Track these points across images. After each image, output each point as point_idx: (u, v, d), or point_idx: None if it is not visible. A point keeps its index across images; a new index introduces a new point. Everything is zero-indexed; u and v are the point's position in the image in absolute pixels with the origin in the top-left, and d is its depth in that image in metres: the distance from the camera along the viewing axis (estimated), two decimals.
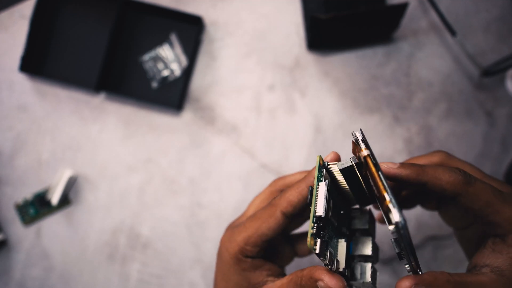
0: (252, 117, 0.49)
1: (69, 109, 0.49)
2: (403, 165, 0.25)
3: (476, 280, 0.24)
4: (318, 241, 0.24)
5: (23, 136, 0.49)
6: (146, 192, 0.48)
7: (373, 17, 0.44)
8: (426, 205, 0.33)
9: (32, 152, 0.49)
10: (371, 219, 0.30)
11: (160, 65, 0.49)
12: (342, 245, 0.27)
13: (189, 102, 0.49)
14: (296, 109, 0.49)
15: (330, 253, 0.25)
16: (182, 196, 0.48)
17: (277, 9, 0.49)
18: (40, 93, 0.49)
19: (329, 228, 0.26)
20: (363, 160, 0.24)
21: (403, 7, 0.43)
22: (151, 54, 0.49)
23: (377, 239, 0.30)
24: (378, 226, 0.33)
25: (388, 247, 0.47)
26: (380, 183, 0.22)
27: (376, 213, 0.36)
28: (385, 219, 0.22)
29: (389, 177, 0.25)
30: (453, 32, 0.46)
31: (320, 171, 0.26)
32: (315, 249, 0.23)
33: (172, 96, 0.49)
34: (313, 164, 0.48)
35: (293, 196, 0.27)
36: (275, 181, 0.33)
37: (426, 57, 0.49)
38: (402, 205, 0.33)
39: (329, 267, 0.25)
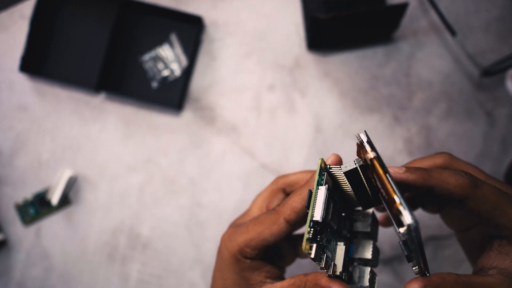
0: (252, 117, 0.49)
1: (69, 109, 0.49)
2: (409, 169, 0.25)
3: (483, 282, 0.24)
4: (314, 246, 0.23)
5: (23, 136, 0.49)
6: (146, 192, 0.48)
7: (373, 17, 0.44)
8: (427, 208, 0.32)
9: (32, 152, 0.49)
10: (374, 222, 0.29)
11: (160, 65, 0.49)
12: (340, 248, 0.27)
13: (189, 102, 0.49)
14: (296, 109, 0.49)
15: (327, 257, 0.25)
16: (182, 196, 0.48)
17: (277, 9, 0.49)
18: (40, 93, 0.49)
19: (327, 232, 0.26)
20: (369, 162, 0.23)
21: (403, 7, 0.43)
22: (151, 54, 0.49)
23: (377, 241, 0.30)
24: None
25: (388, 247, 0.47)
26: (389, 186, 0.22)
27: (379, 216, 0.36)
28: (394, 222, 0.22)
29: (396, 182, 0.25)
30: (453, 32, 0.46)
31: (320, 175, 0.25)
32: (310, 254, 0.23)
33: (172, 96, 0.49)
34: (313, 163, 0.48)
35: (296, 203, 0.27)
36: (277, 179, 0.33)
37: (426, 57, 0.49)
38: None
39: (325, 271, 0.24)
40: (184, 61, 0.49)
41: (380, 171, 0.22)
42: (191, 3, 0.50)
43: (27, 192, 0.48)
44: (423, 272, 0.24)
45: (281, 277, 0.30)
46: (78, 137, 0.49)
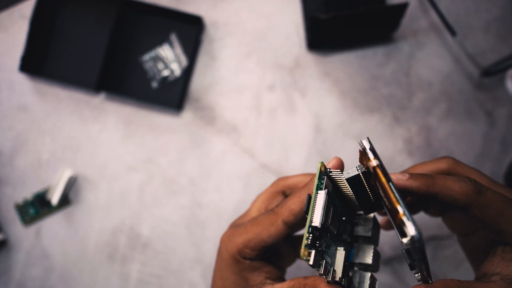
0: (252, 117, 0.49)
1: (69, 109, 0.49)
2: (412, 176, 0.25)
3: None
4: (312, 252, 0.23)
5: (23, 136, 0.49)
6: (146, 192, 0.48)
7: (373, 17, 0.44)
8: (430, 212, 0.32)
9: (32, 152, 0.49)
10: (375, 226, 0.29)
11: (160, 65, 0.49)
12: (340, 253, 0.26)
13: (189, 102, 0.49)
14: (296, 109, 0.49)
15: (326, 262, 0.24)
16: (182, 196, 0.48)
17: (277, 9, 0.49)
18: (40, 93, 0.49)
19: (326, 237, 0.25)
20: (372, 170, 0.23)
21: (403, 7, 0.43)
22: (151, 54, 0.49)
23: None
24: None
25: (388, 247, 0.47)
26: (392, 195, 0.21)
27: (380, 219, 0.36)
28: (396, 231, 0.21)
29: (398, 190, 0.25)
30: (453, 32, 0.46)
31: (320, 179, 0.25)
32: (308, 260, 0.23)
33: (172, 96, 0.49)
34: (313, 163, 0.48)
35: (295, 205, 0.27)
36: (277, 181, 0.33)
37: (426, 57, 0.49)
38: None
39: (324, 277, 0.24)
40: (184, 61, 0.49)
41: (383, 179, 0.22)
42: (191, 3, 0.50)
43: (27, 192, 0.48)
44: (426, 279, 0.24)
45: (281, 278, 0.30)
46: (78, 137, 0.49)
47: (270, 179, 0.48)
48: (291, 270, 0.35)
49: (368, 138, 0.24)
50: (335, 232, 0.26)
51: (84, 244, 0.48)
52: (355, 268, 0.28)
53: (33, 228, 0.48)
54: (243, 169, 0.48)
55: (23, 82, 0.49)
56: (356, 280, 0.27)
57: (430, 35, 0.49)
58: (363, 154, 0.24)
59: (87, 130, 0.49)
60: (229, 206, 0.48)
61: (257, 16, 0.49)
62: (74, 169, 0.48)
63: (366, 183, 0.25)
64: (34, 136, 0.49)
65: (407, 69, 0.49)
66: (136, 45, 0.49)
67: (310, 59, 0.49)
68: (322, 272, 0.24)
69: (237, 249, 0.28)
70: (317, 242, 0.24)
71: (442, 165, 0.30)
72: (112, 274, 0.47)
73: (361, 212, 0.29)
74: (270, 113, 0.49)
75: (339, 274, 0.25)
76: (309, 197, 0.25)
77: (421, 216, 0.44)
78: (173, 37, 0.49)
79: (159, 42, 0.49)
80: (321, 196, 0.24)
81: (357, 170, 0.25)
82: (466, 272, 0.46)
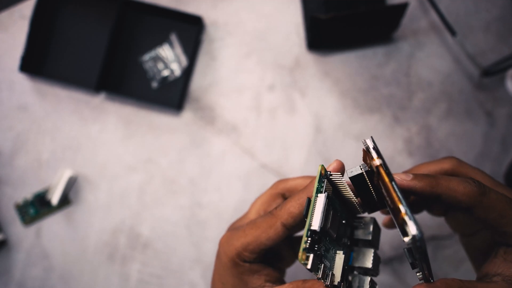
0: (252, 117, 0.49)
1: (69, 109, 0.49)
2: (416, 177, 0.25)
3: None
4: (311, 256, 0.23)
5: (23, 136, 0.49)
6: (146, 192, 0.48)
7: (373, 17, 0.44)
8: (433, 211, 0.32)
9: (32, 152, 0.49)
10: (375, 229, 0.29)
11: (160, 65, 0.49)
12: (339, 257, 0.26)
13: (189, 102, 0.49)
14: (296, 109, 0.49)
15: (325, 266, 0.24)
16: (182, 196, 0.48)
17: (277, 9, 0.49)
18: (40, 93, 0.49)
19: (326, 240, 0.25)
20: (375, 169, 0.23)
21: (403, 7, 0.43)
22: (151, 54, 0.49)
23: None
24: (380, 224, 0.33)
25: (388, 247, 0.47)
26: (394, 195, 0.21)
27: (383, 217, 0.36)
28: (399, 230, 0.21)
29: (402, 190, 0.25)
30: (453, 32, 0.46)
31: (320, 182, 0.25)
32: (306, 264, 0.23)
33: (172, 96, 0.49)
34: (313, 164, 0.48)
35: (294, 208, 0.27)
36: (276, 184, 0.33)
37: (426, 57, 0.49)
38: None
39: (323, 281, 0.24)
40: (184, 61, 0.49)
41: (386, 179, 0.22)
42: (191, 3, 0.50)
43: (27, 192, 0.48)
44: (427, 278, 0.24)
45: (280, 280, 0.30)
46: (78, 137, 0.49)
47: (270, 179, 0.48)
48: (291, 271, 0.35)
49: (372, 137, 0.24)
50: (335, 236, 0.26)
51: (84, 244, 0.48)
52: (355, 272, 0.28)
53: (33, 228, 0.48)
54: (243, 169, 0.48)
55: (23, 82, 0.49)
56: (355, 284, 0.27)
57: (430, 35, 0.49)
58: (366, 153, 0.24)
59: (87, 130, 0.49)
60: (229, 206, 0.48)
61: (257, 16, 0.49)
62: (74, 169, 0.48)
63: (369, 182, 0.25)
64: (34, 136, 0.49)
65: (407, 69, 0.49)
66: (136, 45, 0.49)
67: (310, 59, 0.49)
68: (320, 276, 0.24)
69: (236, 252, 0.28)
70: (316, 245, 0.24)
71: (446, 165, 0.30)
72: (112, 274, 0.47)
73: (361, 215, 0.29)
74: (270, 113, 0.49)
75: (338, 278, 0.25)
76: (309, 200, 0.25)
77: (421, 216, 0.44)
78: (173, 37, 0.49)
79: (159, 42, 0.49)
80: (321, 199, 0.24)
81: (361, 169, 0.25)
82: (467, 272, 0.46)
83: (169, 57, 0.49)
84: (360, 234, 0.28)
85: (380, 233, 0.29)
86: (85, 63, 0.49)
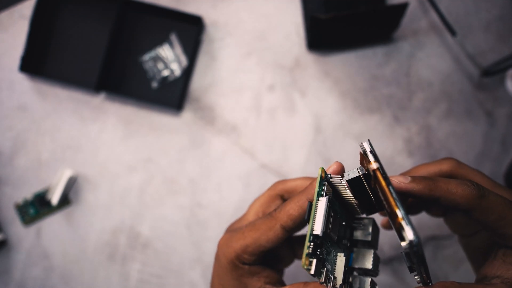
0: (252, 117, 0.49)
1: (69, 109, 0.49)
2: (414, 179, 0.25)
3: None
4: (314, 261, 0.23)
5: (23, 136, 0.49)
6: (146, 192, 0.48)
7: (373, 17, 0.44)
8: (432, 212, 0.32)
9: (32, 152, 0.49)
10: (375, 230, 0.29)
11: (160, 65, 0.49)
12: (340, 259, 0.26)
13: (189, 102, 0.49)
14: (296, 109, 0.49)
15: (327, 270, 0.24)
16: (182, 196, 0.48)
17: (277, 9, 0.49)
18: (40, 93, 0.49)
19: (327, 244, 0.25)
20: (372, 173, 0.23)
21: (403, 7, 0.43)
22: (151, 54, 0.49)
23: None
24: (379, 224, 0.33)
25: (388, 247, 0.47)
26: (391, 199, 0.21)
27: (382, 218, 0.36)
28: (396, 233, 0.21)
29: (400, 192, 0.25)
30: (453, 32, 0.46)
31: (321, 185, 0.25)
32: (309, 270, 0.23)
33: (172, 96, 0.49)
34: (313, 164, 0.48)
35: (293, 210, 0.27)
36: (275, 185, 0.32)
37: (426, 57, 0.49)
38: (408, 213, 0.32)
39: (325, 285, 0.24)
40: (184, 61, 0.49)
41: (383, 183, 0.22)
42: (191, 3, 0.50)
43: (27, 192, 0.48)
44: (425, 281, 0.24)
45: (280, 282, 0.30)
46: (78, 137, 0.49)
47: (270, 179, 0.48)
48: (290, 271, 0.35)
49: (369, 140, 0.24)
50: (335, 238, 0.26)
51: (84, 244, 0.48)
52: (355, 273, 0.28)
53: (33, 228, 0.48)
54: (243, 169, 0.48)
55: (23, 82, 0.49)
56: (356, 285, 0.27)
57: (430, 35, 0.49)
58: (363, 156, 0.24)
59: (87, 130, 0.49)
60: (229, 206, 0.48)
61: (257, 16, 0.49)
62: (74, 169, 0.48)
63: (367, 184, 0.25)
64: (34, 136, 0.49)
65: (407, 69, 0.49)
66: (136, 45, 0.49)
67: (310, 59, 0.49)
68: (323, 281, 0.24)
69: (235, 254, 0.28)
70: (318, 250, 0.24)
71: (445, 166, 0.30)
72: (112, 274, 0.47)
73: (360, 216, 0.29)
74: (270, 113, 0.49)
75: (339, 281, 0.25)
76: (310, 204, 0.24)
77: (421, 215, 0.44)
78: (173, 37, 0.49)
79: (159, 42, 0.49)
80: (322, 203, 0.24)
81: (358, 171, 0.25)
82: (466, 272, 0.46)
83: (169, 57, 0.49)
84: (359, 235, 0.28)
85: (379, 233, 0.29)
86: (85, 63, 0.49)
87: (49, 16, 0.49)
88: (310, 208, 0.24)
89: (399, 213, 0.21)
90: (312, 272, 0.23)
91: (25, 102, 0.49)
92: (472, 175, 0.30)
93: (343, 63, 0.49)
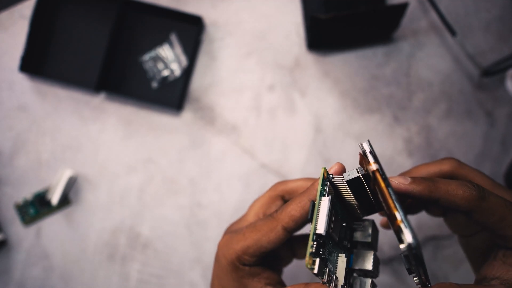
0: (252, 117, 0.49)
1: (69, 109, 0.49)
2: (414, 180, 0.25)
3: None
4: (317, 260, 0.23)
5: (23, 136, 0.49)
6: (146, 192, 0.48)
7: (373, 17, 0.44)
8: (431, 212, 0.32)
9: (32, 152, 0.49)
10: (374, 231, 0.29)
11: (160, 65, 0.49)
12: (342, 260, 0.26)
13: (189, 102, 0.49)
14: (296, 109, 0.49)
15: (329, 270, 0.24)
16: (182, 196, 0.48)
17: (277, 9, 0.49)
18: (40, 93, 0.49)
19: (329, 244, 0.25)
20: (371, 174, 0.23)
21: (403, 7, 0.43)
22: (151, 54, 0.49)
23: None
24: (378, 224, 0.33)
25: (388, 247, 0.47)
26: (390, 201, 0.21)
27: (381, 218, 0.36)
28: (395, 236, 0.21)
29: (400, 194, 0.25)
30: (453, 32, 0.46)
31: (323, 185, 0.25)
32: (313, 269, 0.23)
33: (172, 96, 0.49)
34: (313, 164, 0.48)
35: (295, 211, 0.27)
36: (275, 185, 0.32)
37: (426, 57, 0.49)
38: (407, 212, 0.32)
39: (327, 285, 0.24)
40: (184, 61, 0.49)
41: (382, 184, 0.22)
42: (191, 3, 0.50)
43: (27, 192, 0.48)
44: (424, 283, 0.24)
45: (280, 283, 0.30)
46: (78, 137, 0.49)
47: (270, 179, 0.48)
48: (291, 271, 0.35)
49: (368, 140, 0.24)
50: (337, 239, 0.26)
51: (84, 244, 0.48)
52: (354, 274, 0.28)
53: (33, 228, 0.48)
54: (243, 169, 0.48)
55: (23, 82, 0.49)
56: (357, 286, 0.27)
57: (430, 35, 0.49)
58: (363, 157, 0.24)
59: (87, 130, 0.49)
60: (229, 206, 0.48)
61: (257, 16, 0.49)
62: (74, 169, 0.48)
63: (366, 185, 0.25)
64: (34, 136, 0.49)
65: (407, 69, 0.49)
66: (136, 45, 0.49)
67: (310, 59, 0.49)
68: (325, 281, 0.24)
69: (236, 255, 0.28)
70: (321, 250, 0.24)
71: (445, 167, 0.30)
72: (112, 274, 0.47)
73: (361, 219, 0.29)
74: (270, 113, 0.49)
75: (341, 281, 0.25)
76: (313, 204, 0.24)
77: (421, 215, 0.44)
78: (173, 37, 0.49)
79: (159, 42, 0.49)
80: (325, 202, 0.24)
81: (357, 172, 0.25)
82: (466, 272, 0.46)
83: (169, 57, 0.49)
84: (359, 236, 0.28)
85: (378, 234, 0.29)
86: (85, 63, 0.49)
87: (49, 16, 0.49)
88: (313, 208, 0.24)
89: (398, 215, 0.21)
90: (316, 271, 0.23)
91: (25, 102, 0.49)
92: (473, 175, 0.29)
93: (343, 63, 0.49)
